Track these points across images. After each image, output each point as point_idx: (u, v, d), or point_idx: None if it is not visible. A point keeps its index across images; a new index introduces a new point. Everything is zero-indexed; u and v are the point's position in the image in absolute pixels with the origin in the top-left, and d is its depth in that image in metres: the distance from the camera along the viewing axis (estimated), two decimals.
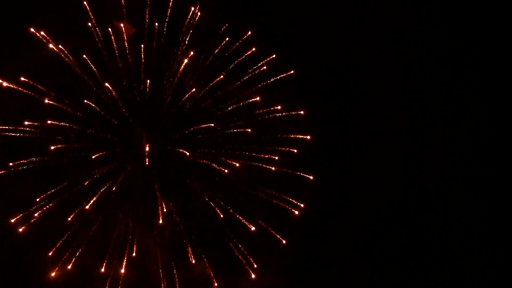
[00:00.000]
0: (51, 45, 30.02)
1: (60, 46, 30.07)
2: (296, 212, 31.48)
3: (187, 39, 31.55)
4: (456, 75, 33.92)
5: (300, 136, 31.89)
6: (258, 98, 31.77)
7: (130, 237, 30.84)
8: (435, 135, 33.94)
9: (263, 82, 32.11)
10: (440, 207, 33.44)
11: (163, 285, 30.84)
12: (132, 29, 30.78)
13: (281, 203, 31.56)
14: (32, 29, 30.00)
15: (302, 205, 31.47)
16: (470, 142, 33.54)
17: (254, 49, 32.14)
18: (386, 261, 32.82)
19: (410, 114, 34.12)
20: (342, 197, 33.16)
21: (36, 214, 30.01)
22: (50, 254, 30.22)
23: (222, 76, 31.49)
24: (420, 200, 33.32)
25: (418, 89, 34.14)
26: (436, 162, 33.73)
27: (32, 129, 30.24)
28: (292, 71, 32.36)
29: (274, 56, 32.25)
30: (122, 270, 30.36)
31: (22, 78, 30.01)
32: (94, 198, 30.37)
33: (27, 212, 29.91)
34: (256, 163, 31.60)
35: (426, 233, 33.08)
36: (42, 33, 30.01)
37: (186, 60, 31.11)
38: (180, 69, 31.21)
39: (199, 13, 31.60)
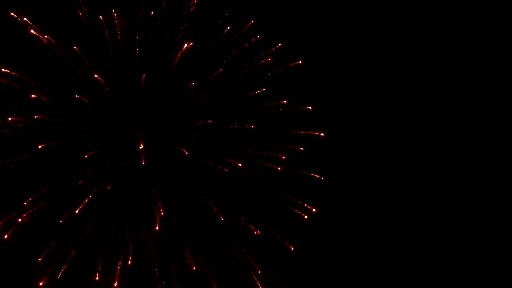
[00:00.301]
0: (32, 31, 27.32)
1: (46, 36, 27.50)
2: (306, 216, 29.79)
3: (183, 29, 29.12)
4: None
5: (314, 133, 29.85)
6: (263, 89, 29.66)
7: (126, 239, 29.07)
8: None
9: (267, 74, 29.87)
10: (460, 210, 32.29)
11: None
12: (126, 22, 28.32)
13: (289, 206, 29.90)
14: (12, 14, 27.27)
15: (314, 210, 29.60)
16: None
17: (258, 36, 29.74)
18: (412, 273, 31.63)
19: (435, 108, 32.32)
20: (355, 199, 31.30)
21: (24, 216, 27.95)
22: (39, 259, 28.34)
23: (221, 70, 29.26)
24: (440, 207, 32.04)
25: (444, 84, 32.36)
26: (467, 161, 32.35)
27: (19, 125, 27.94)
28: (299, 62, 30.11)
29: (279, 45, 29.84)
30: (117, 277, 28.76)
31: (3, 70, 27.43)
32: (87, 199, 28.32)
33: (13, 215, 27.83)
34: (261, 162, 29.73)
35: (444, 237, 31.89)
36: (25, 19, 27.32)
37: (185, 46, 28.62)
38: (175, 61, 28.84)
39: None
